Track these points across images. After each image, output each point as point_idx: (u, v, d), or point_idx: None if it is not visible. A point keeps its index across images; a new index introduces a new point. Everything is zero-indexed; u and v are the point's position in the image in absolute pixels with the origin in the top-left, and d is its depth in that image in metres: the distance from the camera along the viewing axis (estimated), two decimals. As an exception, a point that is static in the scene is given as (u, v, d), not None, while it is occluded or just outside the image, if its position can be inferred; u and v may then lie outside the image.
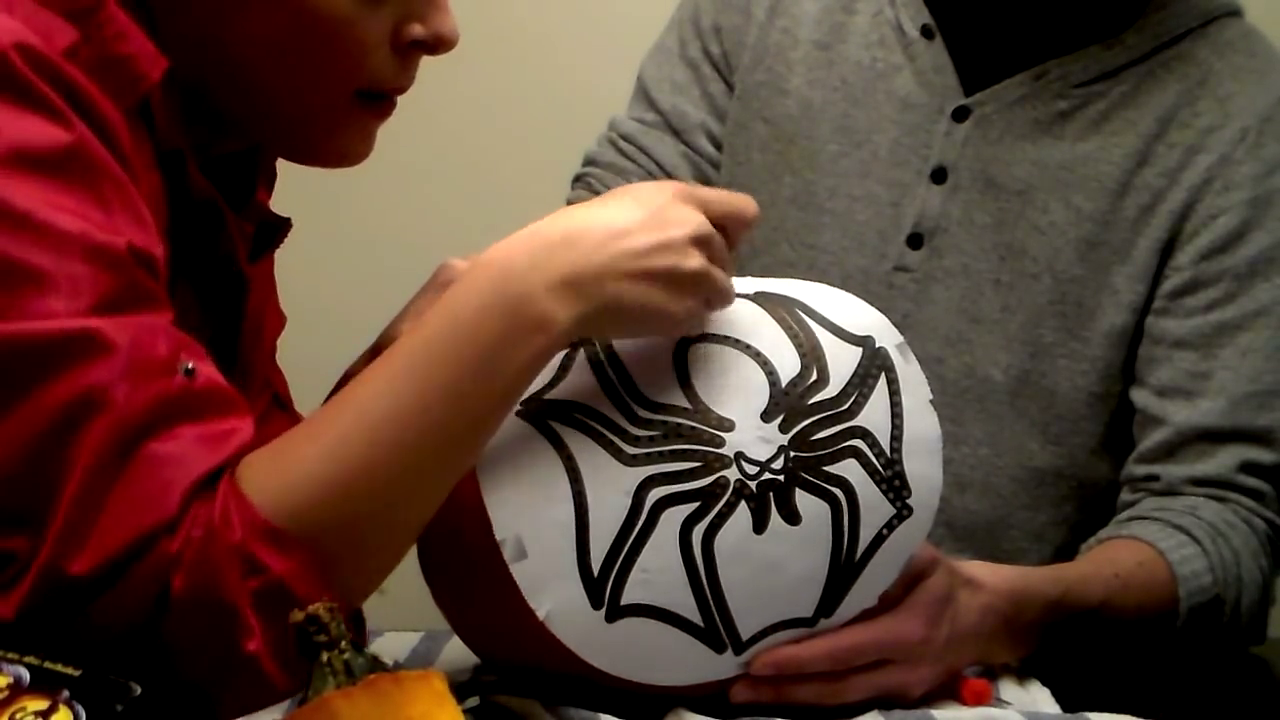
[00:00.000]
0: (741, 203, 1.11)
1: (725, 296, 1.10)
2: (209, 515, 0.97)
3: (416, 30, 1.11)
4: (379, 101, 1.13)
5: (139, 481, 0.96)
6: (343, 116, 1.12)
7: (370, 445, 1.00)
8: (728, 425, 1.09)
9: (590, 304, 1.03)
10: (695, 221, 1.06)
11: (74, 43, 1.02)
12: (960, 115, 1.50)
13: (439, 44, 1.12)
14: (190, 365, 1.00)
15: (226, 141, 1.16)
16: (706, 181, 1.58)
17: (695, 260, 1.05)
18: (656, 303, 1.05)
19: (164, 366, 0.99)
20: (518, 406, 1.06)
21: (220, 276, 1.17)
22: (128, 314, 0.99)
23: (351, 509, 1.00)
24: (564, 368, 1.08)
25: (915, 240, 1.50)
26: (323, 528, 0.99)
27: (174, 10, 1.08)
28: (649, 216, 1.05)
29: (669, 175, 1.58)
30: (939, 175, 1.50)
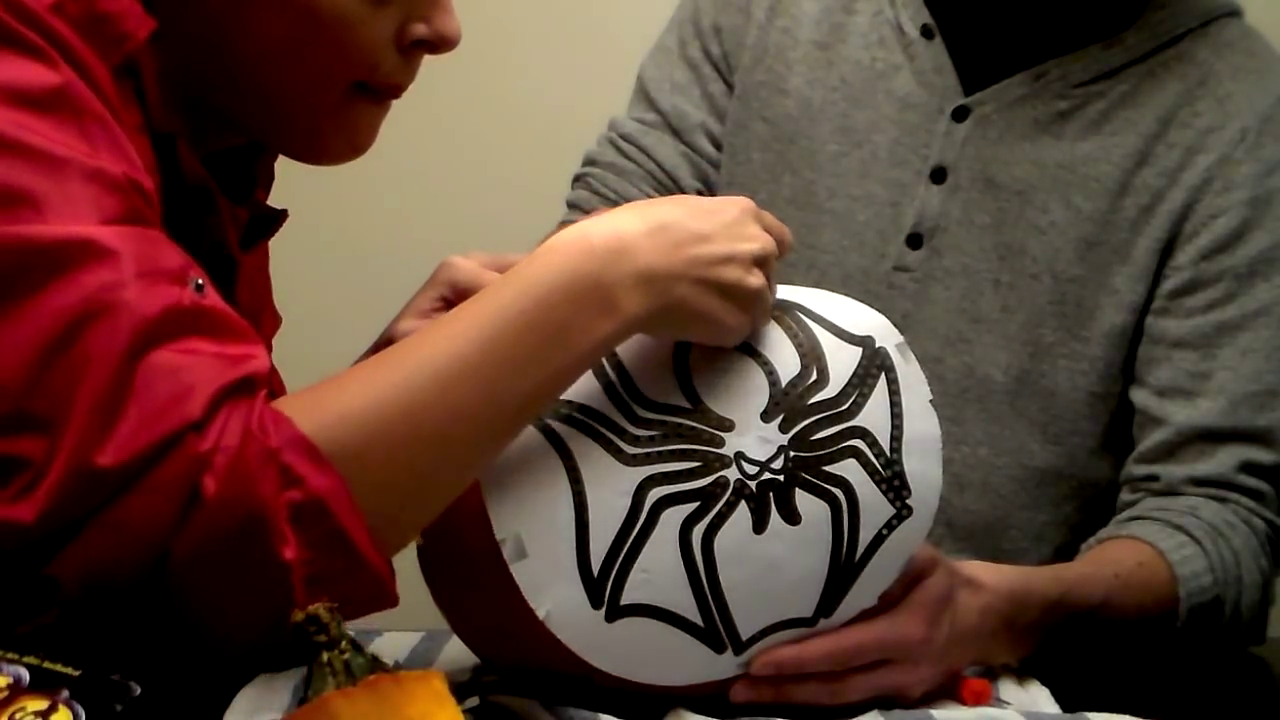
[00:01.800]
0: (786, 233, 1.13)
1: (769, 315, 1.12)
2: (243, 422, 0.95)
3: (420, 30, 1.11)
4: (376, 95, 1.13)
5: (159, 383, 0.94)
6: (342, 110, 1.13)
7: (424, 393, 0.99)
8: (728, 425, 1.09)
9: (660, 301, 1.04)
10: (763, 240, 1.09)
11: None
12: (960, 115, 1.50)
13: (442, 43, 1.12)
14: (200, 281, 0.99)
15: (224, 136, 1.16)
16: (707, 182, 1.59)
17: (757, 278, 1.08)
18: (717, 313, 1.07)
19: (174, 276, 0.98)
20: None
21: (211, 264, 1.17)
22: (133, 227, 0.98)
23: (396, 453, 0.98)
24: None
25: (915, 240, 1.50)
26: (364, 464, 0.97)
27: (177, 8, 1.09)
28: (727, 228, 1.08)
29: (669, 175, 1.58)
30: (938, 175, 1.50)
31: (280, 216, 1.24)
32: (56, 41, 0.99)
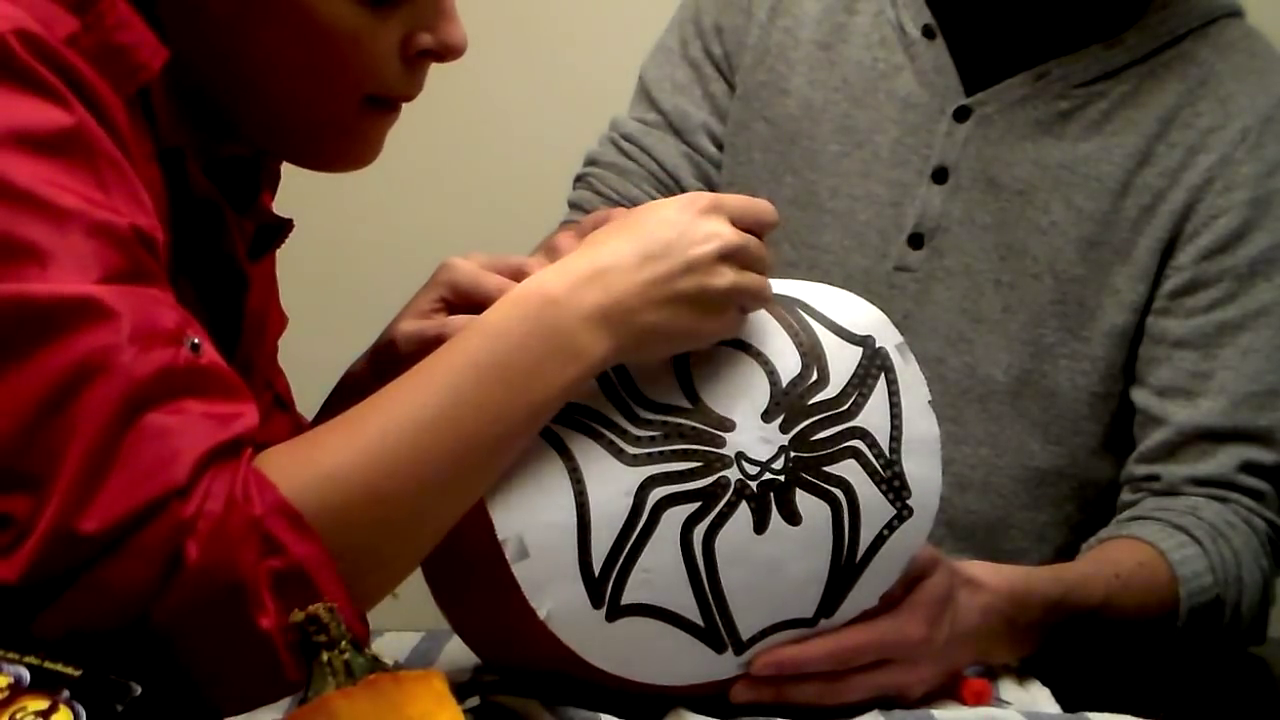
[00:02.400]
0: (761, 209, 1.12)
1: (760, 298, 1.11)
2: (227, 488, 0.95)
3: (425, 40, 1.11)
4: (386, 106, 1.13)
5: (146, 447, 0.94)
6: (351, 123, 1.12)
7: (401, 448, 1.00)
8: (728, 425, 1.09)
9: (625, 335, 1.05)
10: (721, 236, 1.08)
11: (74, 31, 1.01)
12: (961, 115, 1.50)
13: (448, 52, 1.12)
14: (196, 341, 0.99)
15: (231, 145, 1.16)
16: (708, 181, 1.59)
17: (723, 277, 1.07)
18: (689, 324, 1.07)
19: (169, 337, 0.98)
20: None
21: (221, 275, 1.17)
22: (133, 286, 0.98)
23: (376, 508, 0.99)
24: None
25: (916, 240, 1.50)
26: (346, 523, 0.98)
27: (183, 19, 1.08)
28: (674, 239, 1.07)
29: (671, 175, 1.58)
30: (940, 175, 1.50)
31: (286, 226, 1.25)
32: (71, 78, 0.99)
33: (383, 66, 1.10)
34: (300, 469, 0.99)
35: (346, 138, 1.14)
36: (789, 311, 1.14)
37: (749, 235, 1.10)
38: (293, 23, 1.07)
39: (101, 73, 1.01)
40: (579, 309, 1.04)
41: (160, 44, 1.06)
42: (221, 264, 1.16)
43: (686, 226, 1.08)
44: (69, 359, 0.94)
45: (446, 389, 1.02)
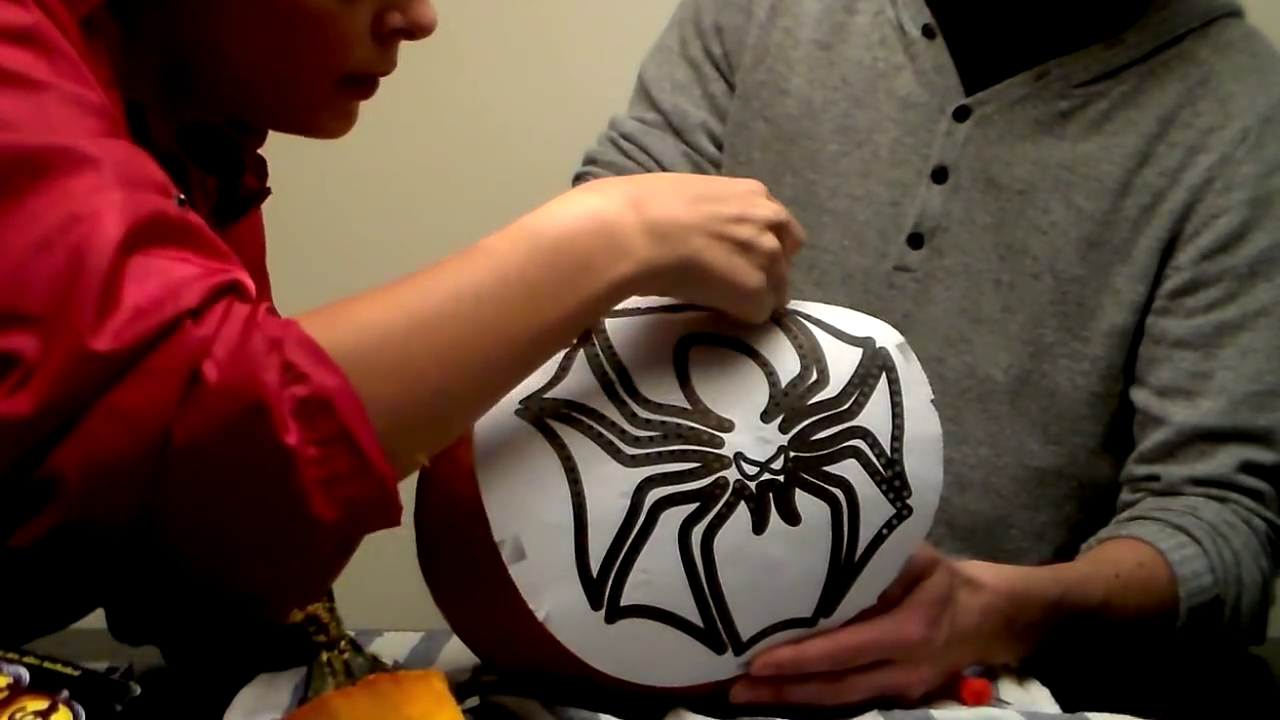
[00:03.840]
0: (797, 227, 1.14)
1: (787, 291, 1.13)
2: (245, 316, 0.93)
3: (396, 19, 1.12)
4: (361, 84, 1.14)
5: (151, 279, 0.92)
6: (325, 100, 1.14)
7: (437, 312, 0.98)
8: (727, 425, 1.09)
9: (674, 252, 1.06)
10: (776, 209, 1.12)
11: None
12: (961, 115, 1.50)
13: (418, 31, 1.13)
14: (183, 198, 0.98)
15: (200, 110, 1.17)
16: None
17: (772, 241, 1.10)
18: (734, 269, 1.08)
19: (158, 187, 0.97)
20: (516, 405, 1.06)
21: None
22: (114, 140, 0.97)
23: (405, 364, 0.97)
24: (563, 367, 1.08)
25: (916, 240, 1.50)
26: (375, 373, 0.95)
27: (154, 2, 1.09)
28: (733, 193, 1.10)
29: (669, 175, 1.58)
30: (940, 175, 1.50)
31: (260, 194, 1.25)
32: None
33: (355, 46, 1.11)
34: (329, 317, 0.97)
35: (321, 113, 1.15)
36: (787, 317, 1.14)
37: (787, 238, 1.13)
38: (266, 6, 1.08)
39: None
40: (638, 214, 1.05)
41: None
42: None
43: (747, 190, 1.11)
44: (58, 201, 0.93)
45: (494, 265, 1.01)
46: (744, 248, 1.08)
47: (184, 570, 0.94)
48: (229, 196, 1.23)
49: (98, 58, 1.05)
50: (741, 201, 1.10)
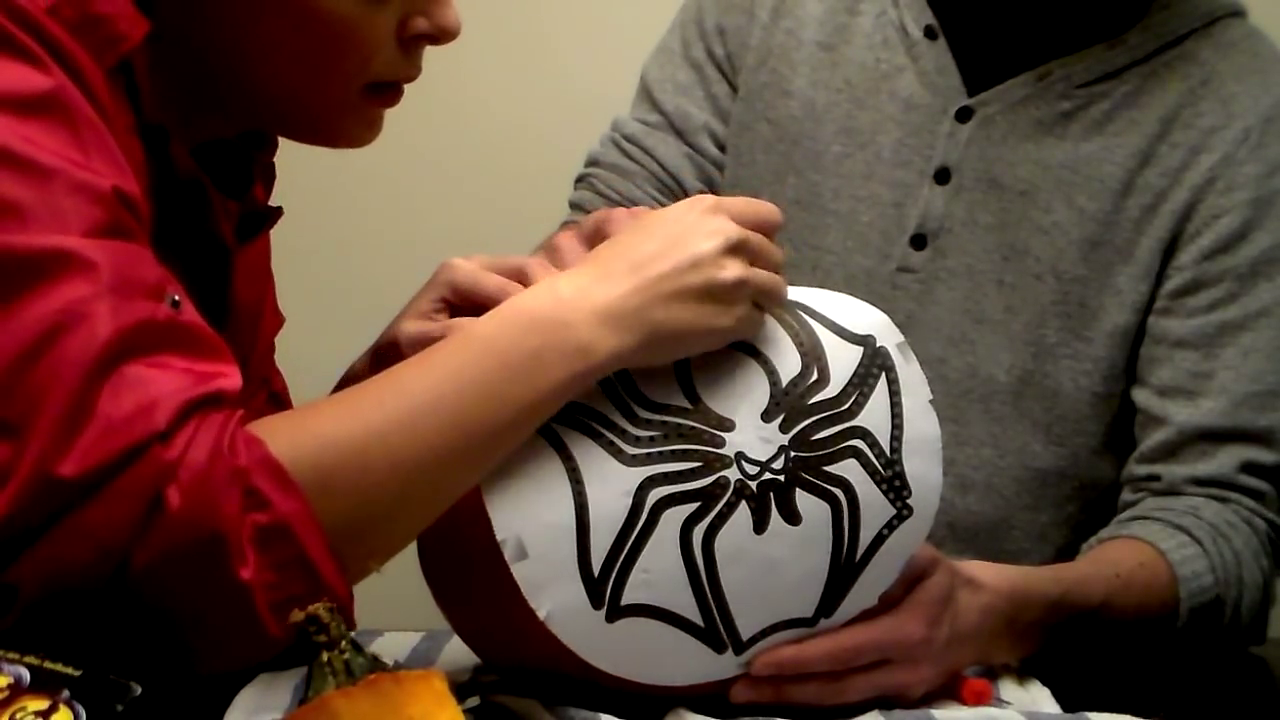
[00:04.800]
0: (763, 209, 1.12)
1: (773, 294, 1.11)
2: (212, 439, 0.95)
3: (420, 24, 1.12)
4: (387, 91, 1.14)
5: (127, 394, 0.94)
6: (351, 108, 1.14)
7: (397, 422, 1.00)
8: (728, 425, 1.09)
9: (633, 335, 1.05)
10: (724, 231, 1.08)
11: (55, 1, 1.01)
12: (963, 116, 1.50)
13: (442, 35, 1.13)
14: (176, 298, 0.99)
15: (219, 125, 1.17)
16: (710, 183, 1.59)
17: (731, 270, 1.07)
18: (702, 320, 1.07)
19: (150, 291, 0.98)
20: None
21: (206, 257, 1.17)
22: (114, 241, 0.98)
23: (365, 477, 0.99)
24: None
25: (919, 241, 1.50)
26: (333, 488, 0.98)
27: (180, 11, 1.09)
28: (678, 235, 1.07)
29: (672, 176, 1.58)
30: (942, 176, 1.50)
31: (275, 214, 1.25)
32: (50, 45, 0.99)
33: (380, 53, 1.11)
34: (292, 430, 0.99)
35: (346, 121, 1.15)
36: (788, 312, 1.14)
37: (755, 233, 1.10)
38: (291, 13, 1.08)
39: (81, 43, 1.01)
40: (585, 307, 1.04)
41: (140, 15, 1.06)
42: (206, 245, 1.16)
43: (690, 224, 1.08)
44: (48, 308, 0.94)
45: (450, 373, 1.02)
46: (706, 294, 1.06)
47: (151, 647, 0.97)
48: (244, 217, 1.23)
49: (120, 106, 1.05)
50: (687, 243, 1.07)
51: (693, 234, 1.07)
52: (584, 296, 1.04)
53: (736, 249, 1.08)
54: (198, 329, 1.00)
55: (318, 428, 0.99)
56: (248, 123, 1.18)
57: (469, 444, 1.02)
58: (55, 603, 0.94)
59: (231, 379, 0.99)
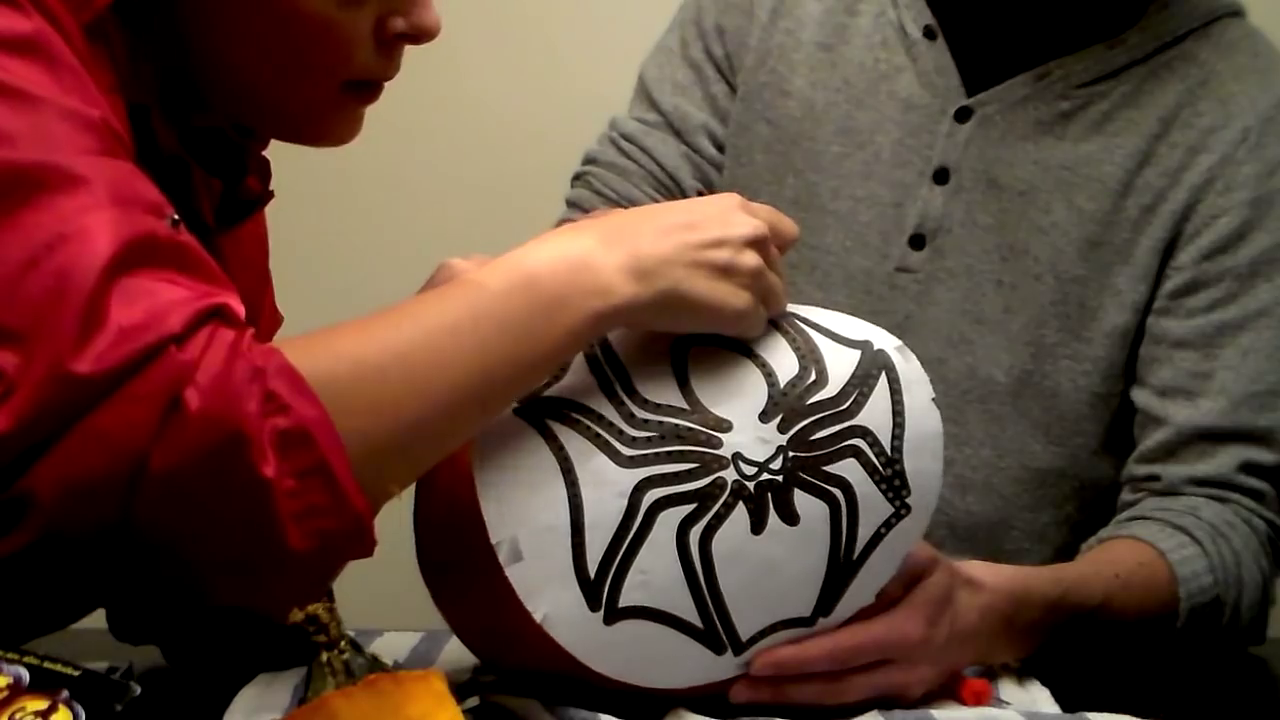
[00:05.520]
0: (785, 224, 1.14)
1: (779, 299, 1.12)
2: (228, 343, 0.94)
3: (398, 24, 1.12)
4: (366, 90, 1.14)
5: (138, 300, 0.92)
6: (329, 107, 1.14)
7: (415, 346, 0.99)
8: (725, 426, 1.09)
9: (652, 288, 1.06)
10: (754, 225, 1.10)
11: None
12: (963, 116, 1.50)
13: (421, 35, 1.13)
14: (176, 218, 0.98)
15: (204, 116, 1.17)
16: (708, 183, 1.59)
17: (752, 258, 1.09)
18: (716, 295, 1.08)
19: (150, 207, 0.97)
20: (514, 404, 1.06)
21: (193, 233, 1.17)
22: (110, 160, 0.97)
23: (384, 395, 0.98)
24: (561, 368, 1.08)
25: (918, 241, 1.50)
26: (352, 404, 0.96)
27: (158, 8, 1.09)
28: (710, 215, 1.09)
29: (670, 176, 1.58)
30: (941, 176, 1.50)
31: (263, 197, 1.25)
32: None
33: (357, 52, 1.11)
34: (309, 345, 0.97)
35: (326, 120, 1.15)
36: (784, 320, 1.14)
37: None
38: (266, 12, 1.08)
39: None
40: (612, 254, 1.05)
41: None
42: (189, 225, 1.16)
43: (721, 208, 1.11)
44: (47, 220, 0.93)
45: (472, 301, 1.02)
46: (725, 271, 1.08)
47: (163, 581, 0.95)
48: (232, 199, 1.23)
49: (101, 63, 1.05)
50: (717, 224, 1.09)
51: (724, 216, 1.10)
52: (609, 246, 1.05)
53: (758, 243, 1.10)
54: (199, 252, 0.98)
55: (337, 345, 0.98)
56: (230, 117, 1.18)
57: (488, 377, 1.02)
58: (66, 518, 0.92)
59: (237, 306, 0.97)
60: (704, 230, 1.08)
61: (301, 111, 1.14)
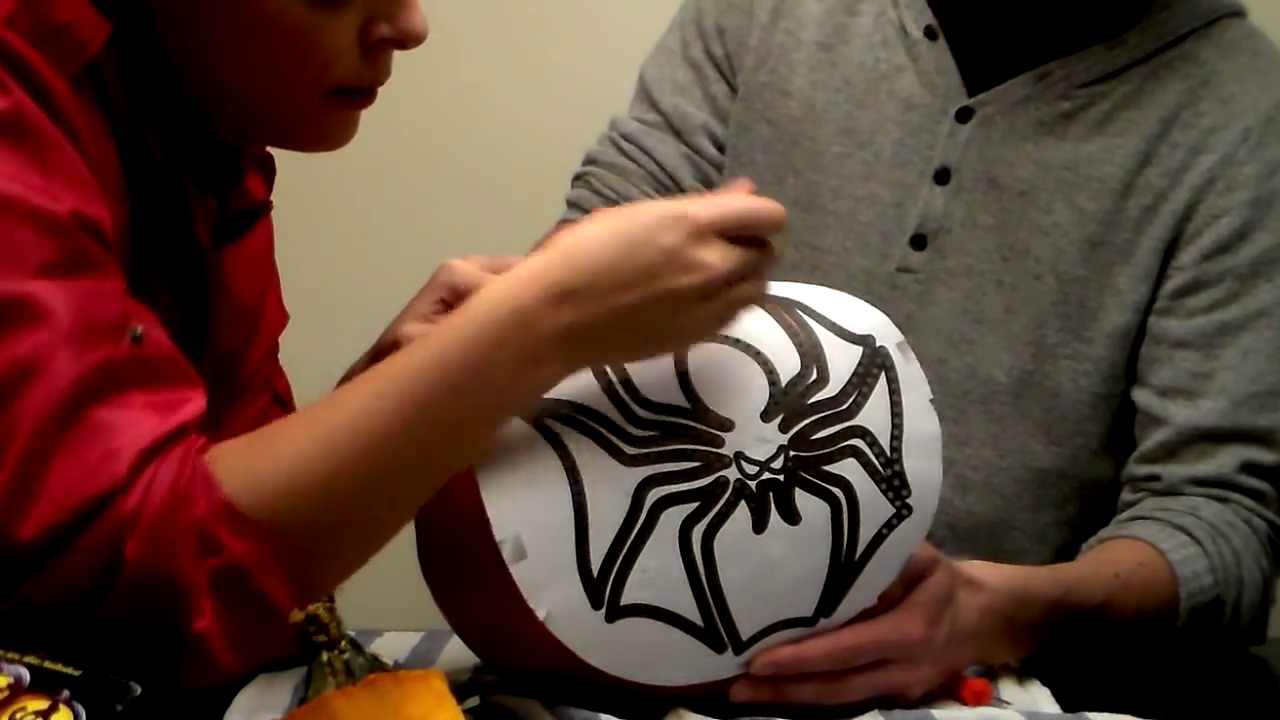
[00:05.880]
0: (763, 216, 1.06)
1: (745, 306, 1.08)
2: (170, 482, 0.96)
3: (384, 30, 1.11)
4: (356, 95, 1.14)
5: (85, 447, 0.95)
6: (317, 114, 1.13)
7: (348, 453, 1.00)
8: (727, 425, 1.09)
9: (583, 356, 1.04)
10: (707, 270, 1.03)
11: (13, 10, 1.01)
12: (963, 116, 1.50)
13: (407, 41, 1.12)
14: (139, 330, 0.99)
15: (196, 125, 1.17)
16: (708, 183, 1.59)
17: (695, 315, 1.04)
18: (647, 352, 1.06)
19: (110, 330, 0.98)
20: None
21: (190, 255, 1.17)
22: (71, 279, 0.97)
23: (325, 504, 1.00)
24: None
25: (919, 241, 1.50)
26: (293, 519, 0.98)
27: (145, 16, 1.09)
28: (659, 265, 1.02)
29: (670, 176, 1.58)
30: (942, 176, 1.50)
31: (262, 209, 1.24)
32: (9, 58, 0.99)
33: (341, 60, 1.10)
34: (244, 465, 0.99)
35: (315, 127, 1.14)
36: (788, 312, 1.14)
37: (744, 251, 1.05)
38: (245, 23, 1.08)
39: (43, 53, 1.01)
40: (548, 326, 1.01)
41: (102, 19, 1.06)
42: (184, 241, 1.16)
43: (674, 254, 1.03)
44: (4, 361, 0.94)
45: (397, 394, 1.01)
46: (663, 334, 1.04)
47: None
48: (229, 215, 1.23)
49: (89, 110, 1.05)
50: (666, 274, 1.02)
51: (674, 265, 1.02)
52: (549, 317, 1.01)
53: (713, 292, 1.04)
54: (159, 359, 1.00)
55: (273, 460, 0.99)
56: (225, 127, 1.18)
57: (426, 458, 1.02)
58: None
59: (195, 404, 1.00)
60: (649, 286, 1.02)
61: (291, 119, 1.14)
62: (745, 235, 1.05)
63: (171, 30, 1.09)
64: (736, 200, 1.07)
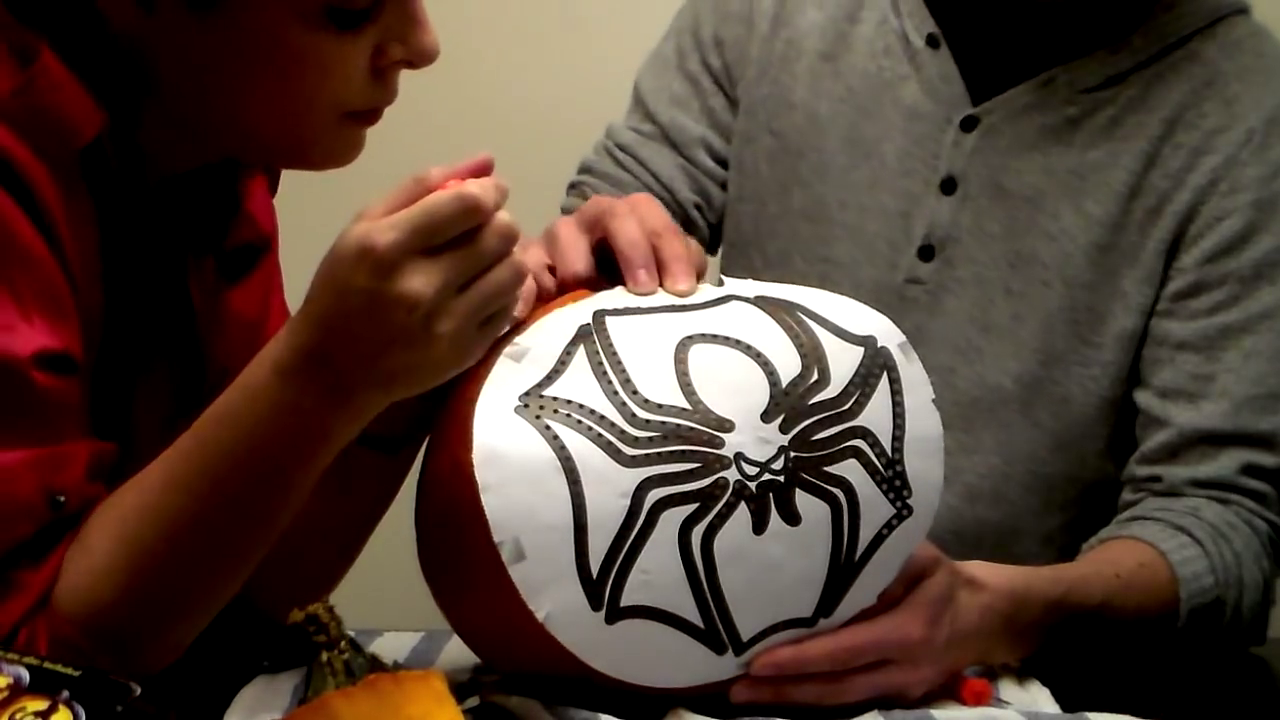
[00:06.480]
0: (441, 207, 1.01)
1: (506, 301, 1.04)
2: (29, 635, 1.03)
3: (397, 51, 1.12)
4: (366, 115, 1.14)
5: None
6: (329, 136, 1.14)
7: (156, 546, 1.05)
8: (727, 426, 1.09)
9: (358, 407, 1.04)
10: (417, 299, 0.98)
11: (4, 98, 1.03)
12: (968, 125, 1.49)
13: (420, 60, 1.13)
14: (61, 498, 1.05)
15: (204, 153, 1.18)
16: (705, 195, 1.58)
17: (439, 335, 1.00)
18: (419, 385, 1.04)
19: (23, 510, 1.04)
20: (515, 404, 1.06)
21: (182, 315, 1.19)
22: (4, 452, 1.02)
23: (143, 596, 1.05)
24: (562, 362, 1.08)
25: (926, 252, 1.49)
26: (118, 613, 1.05)
27: (155, 46, 1.10)
28: (370, 314, 0.99)
29: (666, 187, 1.57)
30: (948, 185, 1.50)
31: (266, 245, 1.25)
32: None
33: (354, 86, 1.11)
34: (75, 578, 1.05)
35: (325, 148, 1.15)
36: (789, 314, 1.14)
37: (449, 260, 1.00)
38: (262, 53, 1.08)
39: (31, 142, 1.03)
40: (311, 394, 1.02)
41: (97, 109, 1.07)
42: (177, 307, 1.19)
43: (374, 296, 0.99)
44: None
45: (194, 483, 1.05)
46: (419, 369, 1.02)
47: None
48: (226, 259, 1.24)
49: (75, 195, 1.07)
50: (383, 320, 0.99)
51: (378, 311, 0.99)
52: (309, 386, 1.02)
53: (438, 310, 0.99)
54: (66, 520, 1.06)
55: (91, 570, 1.05)
56: (232, 153, 1.19)
57: (232, 539, 1.07)
58: None
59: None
60: (377, 337, 0.99)
61: (303, 143, 1.14)
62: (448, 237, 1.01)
63: (188, 62, 1.09)
64: (416, 209, 1.01)
